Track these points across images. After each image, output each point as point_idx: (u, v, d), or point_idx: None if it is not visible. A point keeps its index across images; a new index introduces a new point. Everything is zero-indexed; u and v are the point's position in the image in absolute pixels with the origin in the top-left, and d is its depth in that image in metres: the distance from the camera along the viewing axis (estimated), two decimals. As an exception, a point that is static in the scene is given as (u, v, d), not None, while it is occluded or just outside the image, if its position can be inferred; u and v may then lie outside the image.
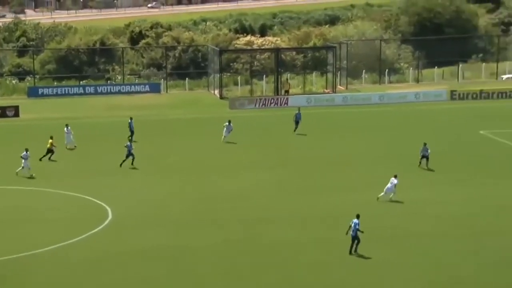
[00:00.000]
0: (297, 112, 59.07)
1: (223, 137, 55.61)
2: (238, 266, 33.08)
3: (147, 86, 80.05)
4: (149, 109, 69.82)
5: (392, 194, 40.94)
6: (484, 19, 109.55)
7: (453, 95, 73.22)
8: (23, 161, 47.13)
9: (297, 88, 79.01)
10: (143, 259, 33.89)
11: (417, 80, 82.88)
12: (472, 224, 37.93)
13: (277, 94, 74.99)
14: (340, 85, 79.45)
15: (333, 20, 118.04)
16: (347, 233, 33.90)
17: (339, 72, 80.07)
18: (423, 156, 47.45)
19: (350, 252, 33.61)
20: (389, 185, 40.90)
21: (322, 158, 51.45)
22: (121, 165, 48.92)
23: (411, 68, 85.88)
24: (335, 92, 76.02)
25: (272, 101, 71.97)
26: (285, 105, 71.50)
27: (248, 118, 64.84)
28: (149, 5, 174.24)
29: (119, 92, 78.46)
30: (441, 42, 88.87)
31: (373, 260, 33.36)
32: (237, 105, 71.67)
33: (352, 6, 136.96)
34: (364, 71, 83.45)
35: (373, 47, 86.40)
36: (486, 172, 47.16)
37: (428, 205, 40.83)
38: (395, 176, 41.08)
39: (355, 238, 33.53)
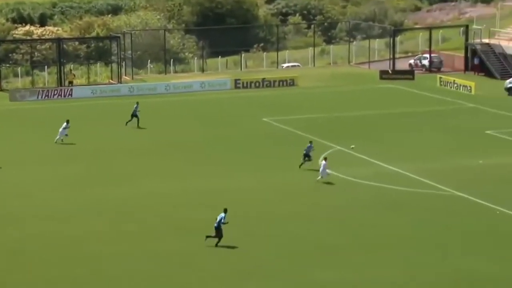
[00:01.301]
0: (135, 105, 57.52)
1: (57, 137, 52.07)
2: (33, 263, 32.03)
3: None
4: None
5: (325, 175, 42.55)
6: (263, 9, 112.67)
7: (237, 83, 74.72)
8: None
9: (81, 79, 77.46)
10: None
11: (202, 70, 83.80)
12: (267, 209, 38.99)
13: (61, 85, 73.09)
14: (125, 75, 78.75)
15: (115, 10, 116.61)
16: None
17: (124, 62, 79.33)
18: (306, 155, 45.09)
19: (206, 238, 33.50)
20: (321, 168, 42.52)
21: (114, 149, 50.78)
22: None
23: (195, 58, 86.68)
24: (120, 83, 75.23)
25: (55, 93, 70.01)
26: (69, 96, 69.84)
27: (30, 111, 62.74)
28: None
29: None
30: (223, 32, 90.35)
31: (164, 250, 33.49)
32: (18, 97, 69.11)
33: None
34: (149, 61, 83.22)
35: (158, 37, 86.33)
36: (272, 157, 48.52)
37: (220, 193, 41.45)
38: (325, 159, 42.94)
39: (217, 229, 33.34)
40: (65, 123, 52.51)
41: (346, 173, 44.80)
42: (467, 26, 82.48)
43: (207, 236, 33.58)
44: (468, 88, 69.13)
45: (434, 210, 38.80)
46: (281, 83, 75.38)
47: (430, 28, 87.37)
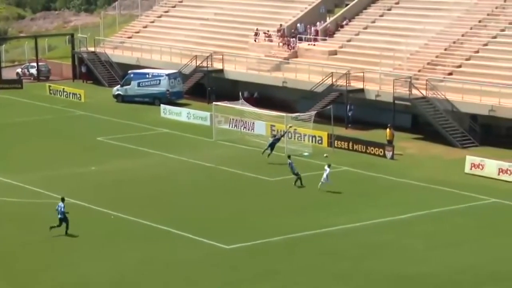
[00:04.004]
0: None
1: None
2: None
3: None
4: None
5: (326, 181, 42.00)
6: None
7: None
8: None
9: None
10: None
11: None
12: None
13: None
14: None
15: None
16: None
17: None
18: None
19: (50, 228, 35.03)
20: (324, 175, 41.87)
21: None
22: None
23: None
24: None
25: None
26: None
27: None
28: None
29: None
30: None
31: None
32: None
33: None
34: None
35: None
36: None
37: None
38: (329, 166, 42.06)
39: (63, 220, 34.99)
40: None
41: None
42: (72, 35, 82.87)
43: (51, 227, 34.94)
44: (78, 96, 69.54)
45: (48, 220, 38.31)
46: None
47: (35, 37, 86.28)
